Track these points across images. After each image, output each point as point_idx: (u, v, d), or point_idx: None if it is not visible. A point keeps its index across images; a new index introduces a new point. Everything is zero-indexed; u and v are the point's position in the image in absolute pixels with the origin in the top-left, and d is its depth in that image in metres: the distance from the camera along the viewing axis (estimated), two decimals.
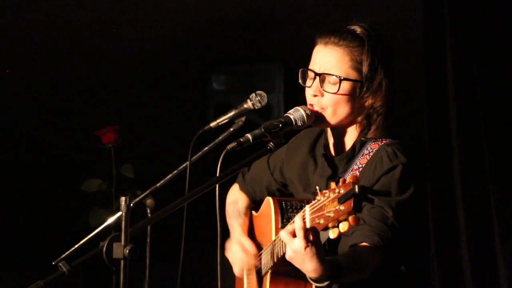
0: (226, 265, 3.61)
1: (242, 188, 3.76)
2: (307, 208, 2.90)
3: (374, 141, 3.31)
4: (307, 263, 2.93)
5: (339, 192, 2.79)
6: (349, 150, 3.33)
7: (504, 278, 4.63)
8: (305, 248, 2.90)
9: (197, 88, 6.09)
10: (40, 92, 6.25)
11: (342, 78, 3.27)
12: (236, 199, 3.75)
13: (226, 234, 3.63)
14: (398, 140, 3.30)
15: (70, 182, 5.97)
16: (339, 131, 3.37)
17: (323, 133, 3.48)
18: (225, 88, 6.05)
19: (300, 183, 3.47)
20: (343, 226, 2.78)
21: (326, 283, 2.99)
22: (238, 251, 3.54)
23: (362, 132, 3.33)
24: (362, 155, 3.30)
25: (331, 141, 3.42)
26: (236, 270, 3.58)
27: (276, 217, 3.36)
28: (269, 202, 3.42)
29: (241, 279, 3.65)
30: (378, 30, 3.35)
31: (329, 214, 2.80)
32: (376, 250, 3.12)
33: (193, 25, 6.05)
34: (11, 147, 6.34)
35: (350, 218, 2.76)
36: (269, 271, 3.31)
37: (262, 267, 3.42)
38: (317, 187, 2.90)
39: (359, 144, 3.32)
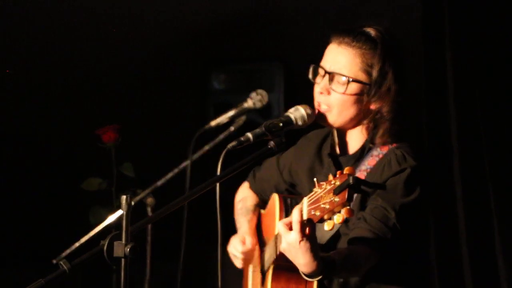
0: (227, 264, 3.63)
1: (252, 187, 3.78)
2: (305, 199, 2.90)
3: (384, 144, 3.31)
4: (300, 257, 2.93)
5: (334, 184, 2.78)
6: (357, 150, 3.34)
7: (504, 277, 4.64)
8: (300, 241, 2.90)
9: (197, 87, 6.09)
10: (41, 91, 6.25)
11: (351, 79, 3.27)
12: (245, 196, 3.77)
13: (226, 233, 3.64)
14: (406, 142, 3.31)
15: (70, 180, 5.98)
16: (346, 132, 3.38)
17: (330, 133, 3.48)
18: (225, 87, 6.04)
19: (308, 183, 3.47)
20: (338, 218, 2.76)
21: (318, 278, 2.98)
22: (236, 245, 3.58)
23: (370, 135, 3.33)
24: (371, 156, 3.30)
25: (338, 141, 3.43)
26: (236, 263, 3.62)
27: (280, 213, 3.37)
28: (274, 198, 3.45)
29: (247, 276, 3.67)
30: (394, 35, 3.34)
31: (324, 206, 2.79)
32: (372, 250, 3.13)
33: (193, 24, 6.05)
34: (12, 146, 6.34)
35: (344, 210, 2.75)
36: (271, 267, 3.32)
37: (265, 263, 3.43)
38: (314, 179, 2.89)
39: (369, 146, 3.33)
